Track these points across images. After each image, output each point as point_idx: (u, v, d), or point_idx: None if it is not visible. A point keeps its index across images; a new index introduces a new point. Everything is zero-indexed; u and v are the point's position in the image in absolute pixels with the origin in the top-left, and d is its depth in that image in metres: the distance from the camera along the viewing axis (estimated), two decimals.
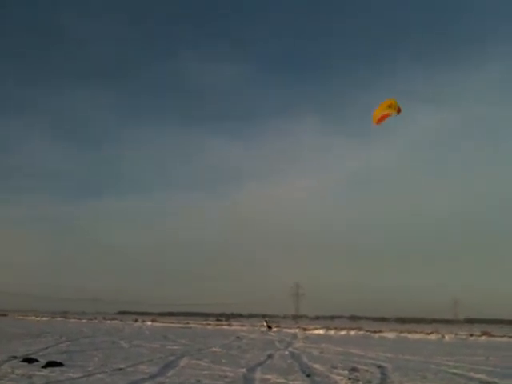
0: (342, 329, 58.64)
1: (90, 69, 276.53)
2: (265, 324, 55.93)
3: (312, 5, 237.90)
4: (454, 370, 15.85)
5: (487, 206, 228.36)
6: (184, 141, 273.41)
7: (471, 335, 49.04)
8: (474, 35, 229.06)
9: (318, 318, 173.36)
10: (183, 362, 16.63)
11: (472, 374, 14.74)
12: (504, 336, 47.70)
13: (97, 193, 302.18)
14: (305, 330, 57.71)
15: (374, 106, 19.14)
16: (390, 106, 18.24)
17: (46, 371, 13.16)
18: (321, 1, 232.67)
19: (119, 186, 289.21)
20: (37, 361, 15.35)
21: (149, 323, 75.39)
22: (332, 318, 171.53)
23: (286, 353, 22.13)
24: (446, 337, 46.57)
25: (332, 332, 54.56)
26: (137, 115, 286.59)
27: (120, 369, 13.99)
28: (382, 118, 18.65)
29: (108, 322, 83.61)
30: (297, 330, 56.12)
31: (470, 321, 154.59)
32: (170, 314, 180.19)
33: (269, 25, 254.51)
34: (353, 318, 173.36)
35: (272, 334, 47.19)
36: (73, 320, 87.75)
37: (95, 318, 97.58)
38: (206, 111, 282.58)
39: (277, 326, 64.37)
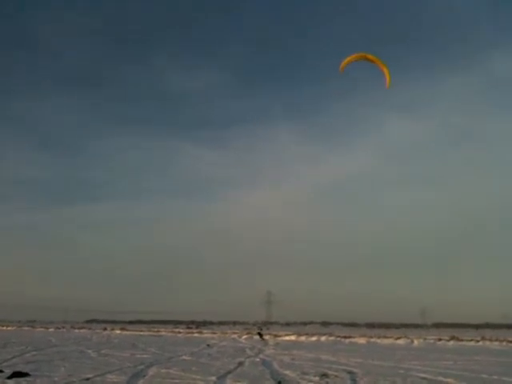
0: (313, 335, 58.84)
1: (64, 77, 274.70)
2: (258, 332, 54.11)
3: (286, 14, 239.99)
4: (423, 375, 16.02)
5: (459, 218, 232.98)
6: (158, 149, 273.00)
7: (439, 340, 49.78)
8: (449, 45, 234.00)
9: (289, 324, 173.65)
10: (152, 371, 16.38)
11: (441, 378, 14.91)
12: (471, 340, 48.59)
13: (69, 201, 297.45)
14: (276, 336, 57.67)
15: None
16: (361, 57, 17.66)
17: (11, 382, 12.83)
18: (295, 10, 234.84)
19: (92, 195, 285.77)
20: (2, 371, 14.95)
21: (118, 332, 74.33)
22: (304, 324, 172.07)
23: (257, 360, 22.05)
24: (415, 341, 47.15)
25: (303, 338, 54.67)
26: (111, 123, 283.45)
27: (87, 379, 13.70)
28: (348, 62, 17.90)
29: (76, 330, 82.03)
30: (268, 337, 56.03)
31: (438, 325, 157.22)
32: (140, 322, 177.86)
33: (244, 34, 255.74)
34: (324, 323, 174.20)
35: (243, 341, 46.96)
36: (40, 329, 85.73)
37: (63, 327, 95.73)
38: (180, 119, 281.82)
39: (248, 333, 64.10)
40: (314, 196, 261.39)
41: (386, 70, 17.20)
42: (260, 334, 51.73)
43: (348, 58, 17.57)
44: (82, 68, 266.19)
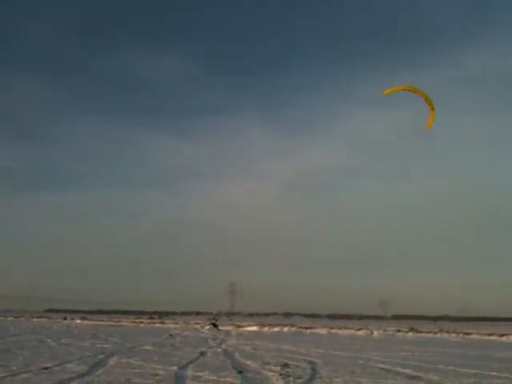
0: (275, 325, 59.35)
1: (28, 63, 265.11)
2: (212, 322, 53.71)
3: (257, 5, 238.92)
4: (382, 365, 16.35)
5: (421, 211, 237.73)
6: (126, 138, 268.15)
7: (399, 331, 50.94)
8: (410, 40, 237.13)
9: (252, 315, 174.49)
10: (113, 360, 16.23)
11: (399, 369, 15.25)
12: (430, 332, 49.86)
13: (32, 188, 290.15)
14: (239, 327, 57.94)
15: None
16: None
17: None
18: (270, 3, 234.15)
19: (57, 182, 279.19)
20: None
21: (78, 321, 73.35)
22: (266, 315, 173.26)
23: (219, 350, 22.11)
24: (375, 333, 48.11)
25: (266, 329, 55.11)
26: (77, 110, 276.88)
27: (46, 368, 13.46)
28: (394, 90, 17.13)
29: (36, 319, 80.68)
30: (231, 327, 56.23)
31: (398, 317, 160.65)
32: (101, 312, 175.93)
33: (213, 25, 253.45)
34: (286, 314, 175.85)
35: (205, 331, 46.98)
36: None
37: (22, 316, 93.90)
38: (149, 109, 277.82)
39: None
40: (280, 189, 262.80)
41: (432, 111, 16.64)
42: (214, 325, 51.59)
43: (397, 87, 17.03)
44: (49, 55, 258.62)
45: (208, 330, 50.39)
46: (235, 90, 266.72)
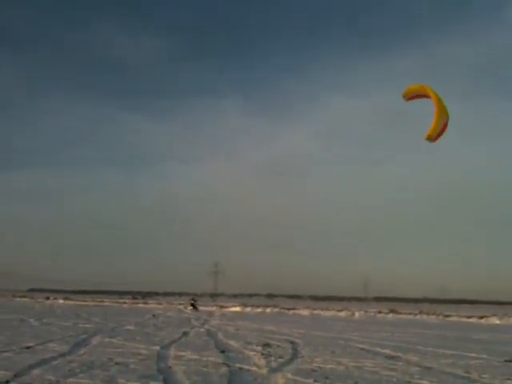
0: (258, 306, 59.84)
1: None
2: (191, 303, 53.22)
3: None
4: (362, 346, 16.62)
5: (397, 194, 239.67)
6: (103, 116, 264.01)
7: (379, 312, 51.72)
8: (385, 27, 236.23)
9: (235, 296, 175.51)
10: (95, 340, 16.25)
11: (378, 349, 15.51)
12: (410, 314, 50.67)
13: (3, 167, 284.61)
14: (222, 307, 58.32)
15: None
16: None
17: None
18: None
19: (28, 161, 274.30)
20: None
21: (61, 301, 73.15)
22: (250, 295, 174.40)
23: (202, 330, 22.25)
24: (356, 314, 48.79)
25: (248, 309, 55.55)
26: (48, 88, 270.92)
27: (28, 347, 13.44)
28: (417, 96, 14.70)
29: (18, 299, 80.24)
30: (214, 308, 56.58)
31: (379, 299, 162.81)
32: (84, 292, 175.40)
33: (196, 3, 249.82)
34: (270, 296, 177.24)
35: (188, 312, 47.20)
36: None
37: (4, 295, 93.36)
38: (124, 88, 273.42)
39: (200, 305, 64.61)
40: (261, 172, 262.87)
41: (435, 121, 13.58)
42: (193, 305, 51.18)
43: (413, 90, 14.27)
44: (23, 30, 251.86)
45: (191, 310, 50.62)
46: (211, 70, 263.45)
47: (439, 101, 13.75)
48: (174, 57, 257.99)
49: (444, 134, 13.73)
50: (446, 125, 13.93)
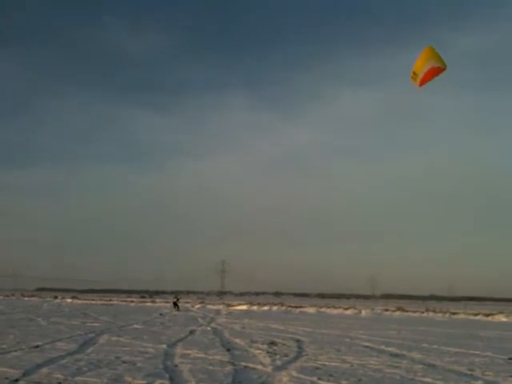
0: (264, 304, 59.94)
1: (4, 34, 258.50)
2: (173, 301, 49.47)
3: None
4: (367, 343, 16.71)
5: (405, 191, 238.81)
6: (108, 112, 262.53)
7: (386, 310, 51.67)
8: (395, 19, 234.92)
9: (242, 294, 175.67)
10: (103, 338, 16.44)
11: (383, 347, 15.60)
12: (416, 311, 50.56)
13: (8, 165, 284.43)
14: (229, 306, 58.51)
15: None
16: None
17: None
18: None
19: (35, 158, 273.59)
20: None
21: (69, 300, 73.65)
22: (256, 294, 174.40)
23: (208, 329, 22.40)
24: (363, 312, 48.75)
25: (255, 308, 55.68)
26: (55, 84, 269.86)
27: (37, 346, 13.64)
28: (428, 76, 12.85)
29: (26, 298, 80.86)
30: (221, 307, 56.79)
31: (387, 296, 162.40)
32: (92, 291, 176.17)
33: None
34: (277, 294, 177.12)
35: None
36: None
37: (13, 295, 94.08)
38: (129, 83, 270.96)
39: (201, 303, 64.87)
40: (264, 166, 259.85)
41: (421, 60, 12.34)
42: (175, 304, 48.20)
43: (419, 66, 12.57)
44: (27, 25, 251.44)
45: (198, 308, 50.65)
46: (218, 65, 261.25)
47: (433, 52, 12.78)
48: (180, 50, 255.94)
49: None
50: (435, 70, 12.68)
